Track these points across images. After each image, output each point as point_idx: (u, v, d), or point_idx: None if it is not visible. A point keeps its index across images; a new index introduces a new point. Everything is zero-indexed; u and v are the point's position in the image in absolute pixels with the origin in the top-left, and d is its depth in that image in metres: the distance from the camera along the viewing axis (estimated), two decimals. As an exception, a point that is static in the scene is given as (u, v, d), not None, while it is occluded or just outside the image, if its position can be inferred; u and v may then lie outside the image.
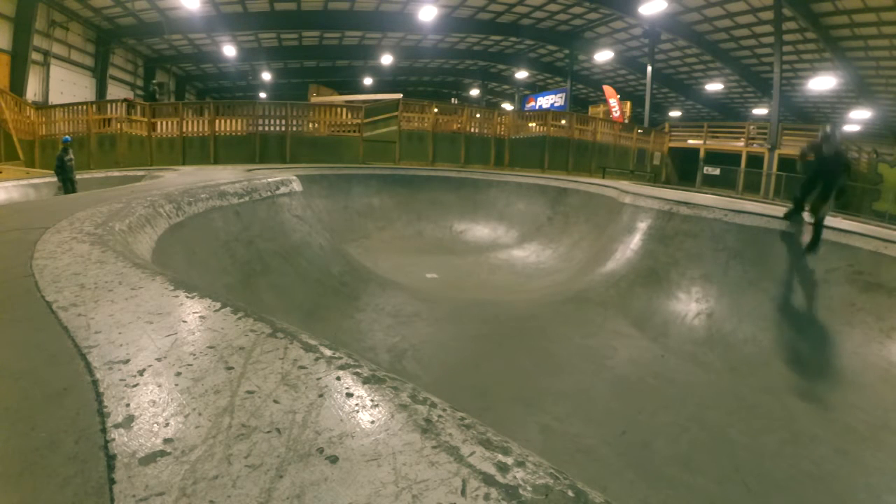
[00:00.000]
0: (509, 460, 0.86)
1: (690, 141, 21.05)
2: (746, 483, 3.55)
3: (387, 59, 29.35)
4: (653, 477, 3.56)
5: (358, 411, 1.00)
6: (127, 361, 1.17)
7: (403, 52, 29.47)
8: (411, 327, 5.66)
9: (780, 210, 6.63)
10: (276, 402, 1.02)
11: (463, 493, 0.77)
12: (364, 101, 19.47)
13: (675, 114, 36.39)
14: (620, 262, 7.17)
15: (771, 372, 5.17)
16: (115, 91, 22.73)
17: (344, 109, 15.58)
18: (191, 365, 1.16)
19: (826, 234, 5.82)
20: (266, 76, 33.81)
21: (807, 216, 5.95)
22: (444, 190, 11.99)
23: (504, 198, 11.92)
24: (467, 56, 31.65)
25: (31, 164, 11.81)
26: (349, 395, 1.06)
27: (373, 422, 0.96)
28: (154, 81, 25.17)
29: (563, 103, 28.66)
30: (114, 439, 0.88)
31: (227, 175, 7.09)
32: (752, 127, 20.08)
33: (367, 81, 34.66)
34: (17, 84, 15.43)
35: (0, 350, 1.26)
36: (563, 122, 18.07)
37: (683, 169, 20.72)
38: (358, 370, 1.17)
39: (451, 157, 15.41)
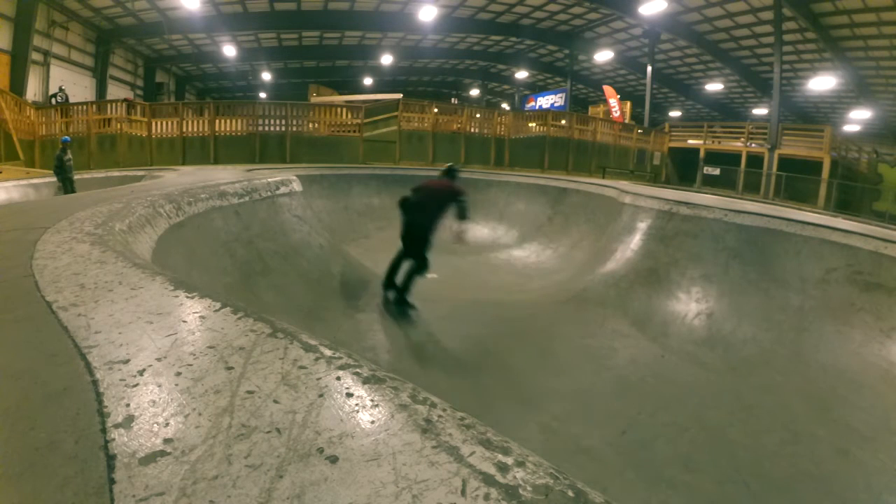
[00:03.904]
0: (509, 460, 0.86)
1: (690, 141, 21.05)
2: (746, 483, 3.55)
3: (387, 59, 29.36)
4: (653, 477, 3.56)
5: (358, 411, 1.00)
6: (127, 361, 1.17)
7: (403, 52, 29.47)
8: (411, 327, 5.65)
9: (780, 210, 6.64)
10: (276, 402, 1.02)
11: (463, 493, 0.77)
12: (364, 101, 19.48)
13: (675, 114, 36.42)
14: (620, 262, 7.17)
15: (771, 372, 5.16)
16: (115, 91, 22.74)
17: (344, 109, 15.59)
18: (191, 365, 1.16)
19: (826, 234, 5.83)
20: (266, 76, 33.81)
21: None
22: (444, 190, 11.96)
23: (504, 198, 11.92)
24: (467, 56, 31.65)
25: (31, 164, 11.81)
26: (349, 395, 1.06)
27: (373, 422, 0.96)
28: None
29: (563, 103, 28.68)
30: (114, 439, 0.88)
31: (226, 175, 7.09)
32: (750, 126, 20.08)
33: (367, 81, 34.67)
34: (17, 84, 15.44)
35: (0, 350, 1.26)
36: (563, 122, 18.08)
37: (683, 169, 20.73)
38: (358, 370, 1.17)
39: (451, 157, 15.38)
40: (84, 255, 2.09)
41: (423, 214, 5.19)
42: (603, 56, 25.55)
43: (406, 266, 5.35)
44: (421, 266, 5.28)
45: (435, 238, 5.24)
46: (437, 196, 5.37)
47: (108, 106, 13.68)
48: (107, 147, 12.87)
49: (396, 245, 5.88)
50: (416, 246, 5.21)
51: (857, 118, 26.97)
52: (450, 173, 5.76)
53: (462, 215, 5.43)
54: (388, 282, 5.60)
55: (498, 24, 25.12)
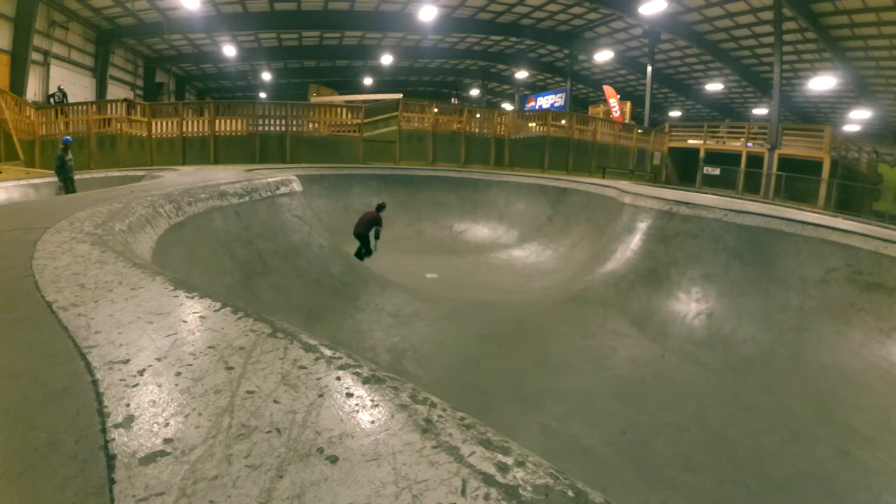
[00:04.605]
0: (509, 460, 0.86)
1: (690, 141, 21.04)
2: (746, 483, 3.55)
3: (387, 59, 29.35)
4: (653, 477, 3.56)
5: (358, 411, 1.00)
6: (127, 361, 1.17)
7: (403, 52, 29.47)
8: (411, 327, 5.66)
9: (780, 210, 6.65)
10: (276, 402, 1.02)
11: (463, 493, 0.77)
12: (364, 101, 19.49)
13: (675, 114, 36.40)
14: (620, 262, 7.17)
15: (771, 372, 5.17)
16: (115, 91, 22.74)
17: (344, 109, 15.58)
18: (191, 365, 1.16)
19: (826, 234, 5.85)
20: (266, 76, 33.81)
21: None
22: (444, 190, 11.99)
23: (504, 198, 11.92)
24: (467, 56, 31.64)
25: (31, 164, 11.81)
26: (349, 395, 1.06)
27: (373, 422, 0.96)
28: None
29: (563, 103, 28.66)
30: (114, 439, 0.88)
31: (227, 175, 7.09)
32: (754, 127, 20.08)
33: (367, 81, 34.66)
34: (17, 84, 15.42)
35: (0, 350, 1.26)
36: (563, 122, 18.07)
37: (683, 169, 20.72)
38: (358, 370, 1.17)
39: (451, 157, 15.42)
40: (84, 255, 2.09)
41: (360, 230, 8.66)
42: (603, 56, 25.54)
43: (357, 251, 8.74)
44: (362, 252, 8.68)
45: (369, 239, 8.64)
46: (366, 220, 8.67)
47: (108, 106, 13.68)
48: (107, 147, 12.87)
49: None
50: (361, 243, 8.66)
51: (857, 118, 26.96)
52: (378, 207, 8.88)
53: (376, 235, 8.63)
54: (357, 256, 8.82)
55: (498, 24, 25.11)
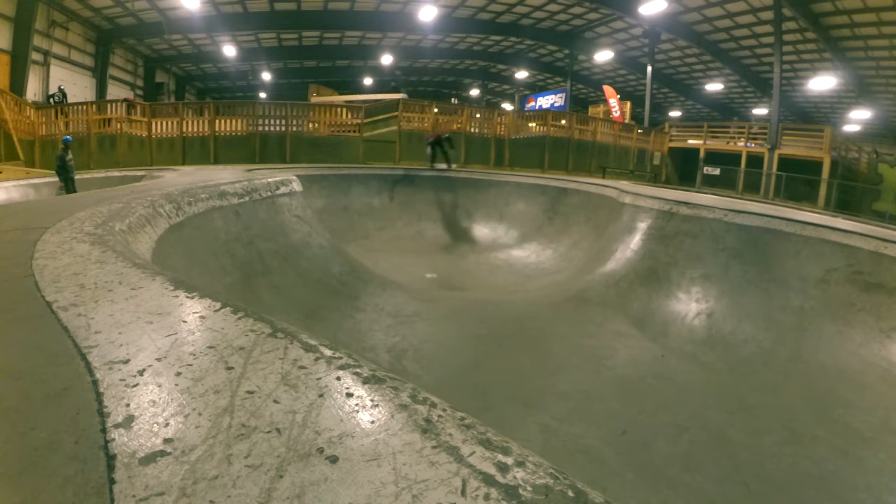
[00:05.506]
0: (509, 460, 0.86)
1: (690, 141, 21.05)
2: (746, 483, 3.55)
3: (387, 59, 29.36)
4: (653, 477, 3.56)
5: (358, 411, 1.00)
6: (127, 361, 1.17)
7: (403, 52, 29.48)
8: (411, 327, 5.65)
9: (780, 210, 6.65)
10: (276, 402, 1.02)
11: (463, 493, 0.77)
12: (364, 101, 19.49)
13: (675, 114, 36.42)
14: (620, 262, 7.17)
15: (771, 372, 5.16)
16: (115, 91, 22.75)
17: (344, 109, 15.60)
18: (191, 365, 1.16)
19: (826, 234, 5.85)
20: (266, 76, 33.82)
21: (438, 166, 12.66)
22: (445, 190, 11.99)
23: (504, 198, 11.92)
24: (467, 56, 31.67)
25: (31, 164, 11.81)
26: (349, 395, 1.06)
27: (373, 422, 0.96)
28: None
29: (563, 103, 28.67)
30: (114, 439, 0.88)
31: (227, 175, 7.09)
32: (755, 127, 20.09)
33: (367, 81, 34.67)
34: (17, 84, 15.44)
35: (0, 350, 1.26)
36: (563, 122, 18.08)
37: (683, 169, 20.73)
38: (358, 370, 1.17)
39: (451, 157, 15.41)
40: (84, 255, 2.09)
41: (434, 143, 12.72)
42: (603, 56, 25.56)
43: (436, 155, 12.82)
44: (442, 152, 12.73)
45: (437, 148, 12.67)
46: (438, 137, 12.79)
47: (108, 106, 13.69)
48: (107, 147, 12.87)
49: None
50: (438, 149, 12.63)
51: (857, 118, 26.98)
52: (448, 139, 13.03)
53: (441, 148, 12.69)
54: (431, 163, 12.89)
55: (498, 24, 25.13)
